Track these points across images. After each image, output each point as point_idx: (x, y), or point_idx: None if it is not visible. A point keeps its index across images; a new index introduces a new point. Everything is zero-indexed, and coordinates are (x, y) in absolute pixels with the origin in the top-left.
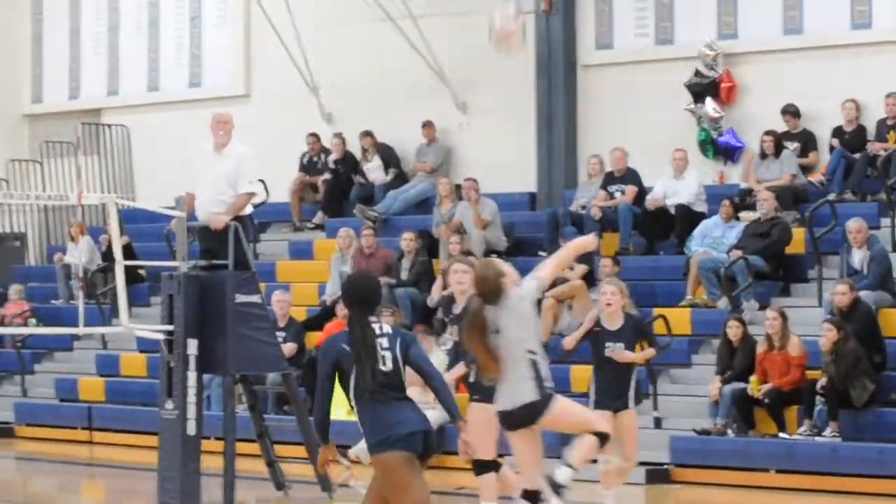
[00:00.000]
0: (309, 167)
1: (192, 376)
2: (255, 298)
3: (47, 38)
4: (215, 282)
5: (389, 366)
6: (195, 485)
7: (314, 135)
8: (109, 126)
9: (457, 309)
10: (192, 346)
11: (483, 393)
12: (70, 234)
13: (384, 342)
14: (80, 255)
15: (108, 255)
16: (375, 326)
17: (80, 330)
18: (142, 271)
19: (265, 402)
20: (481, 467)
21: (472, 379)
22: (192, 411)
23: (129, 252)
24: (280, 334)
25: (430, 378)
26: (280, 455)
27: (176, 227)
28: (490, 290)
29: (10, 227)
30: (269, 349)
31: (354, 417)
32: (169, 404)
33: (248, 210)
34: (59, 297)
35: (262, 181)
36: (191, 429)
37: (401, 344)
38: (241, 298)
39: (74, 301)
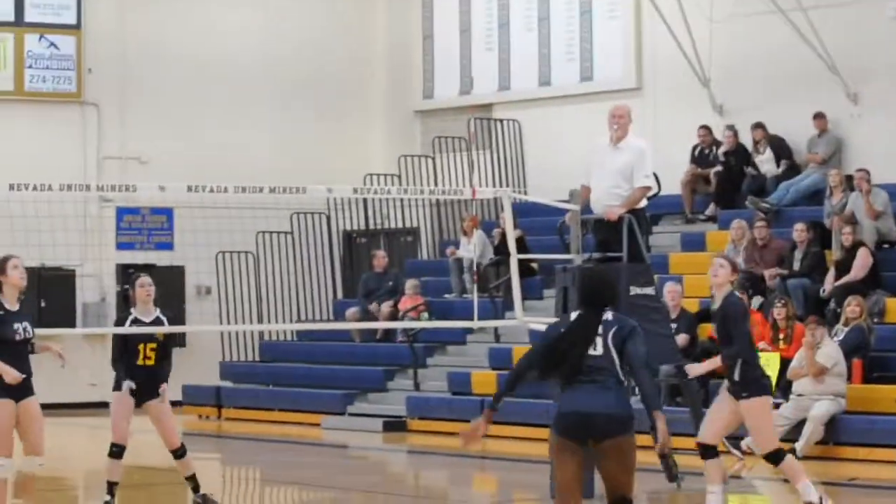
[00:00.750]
0: (700, 159)
1: None
2: (649, 290)
3: (438, 35)
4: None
5: (599, 350)
6: (588, 477)
7: (706, 127)
8: (501, 121)
9: (714, 304)
10: None
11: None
12: (463, 228)
13: (599, 328)
14: (472, 248)
15: (500, 249)
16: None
17: (475, 323)
18: (534, 264)
19: (658, 393)
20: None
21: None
22: None
23: (521, 245)
24: (672, 325)
25: (635, 371)
26: (674, 447)
27: (570, 220)
28: None
29: (404, 222)
30: (663, 341)
31: None
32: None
33: (643, 203)
34: (451, 290)
35: (654, 174)
36: None
37: (616, 332)
38: (635, 290)
39: (467, 294)
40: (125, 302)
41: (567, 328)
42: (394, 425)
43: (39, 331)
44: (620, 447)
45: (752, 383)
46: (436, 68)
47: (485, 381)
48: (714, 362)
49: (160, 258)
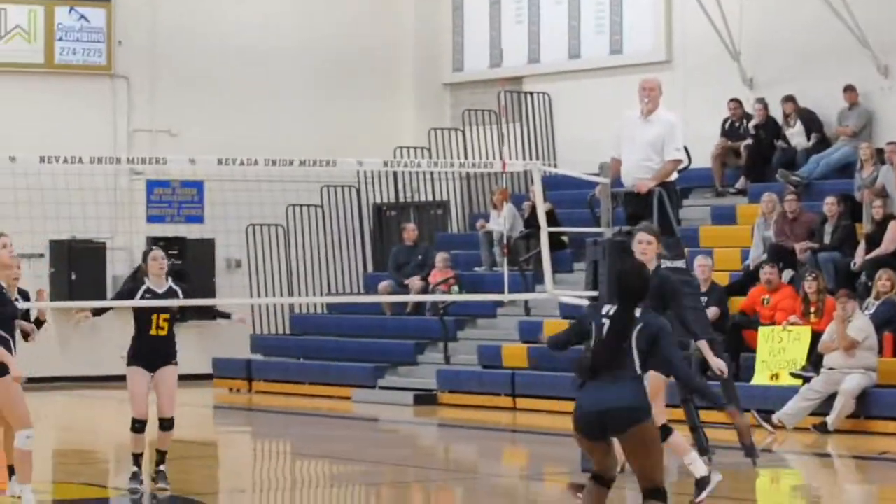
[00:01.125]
0: (731, 132)
1: None
2: (679, 264)
3: (468, 7)
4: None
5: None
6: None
7: (736, 100)
8: (531, 94)
9: None
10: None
11: None
12: (493, 201)
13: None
14: (502, 222)
15: (530, 222)
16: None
17: (505, 297)
18: (564, 237)
19: (689, 367)
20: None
21: None
22: None
23: (551, 218)
24: (702, 299)
25: (679, 379)
26: (704, 420)
27: (601, 193)
28: None
29: (433, 195)
30: (693, 314)
31: (777, 382)
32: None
33: (674, 177)
34: (481, 264)
35: (685, 147)
36: None
37: (641, 330)
38: (665, 264)
39: (497, 268)
40: (133, 275)
41: (608, 328)
42: (424, 398)
43: (69, 303)
44: (637, 436)
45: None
46: (465, 41)
47: (515, 354)
48: None
49: (190, 231)
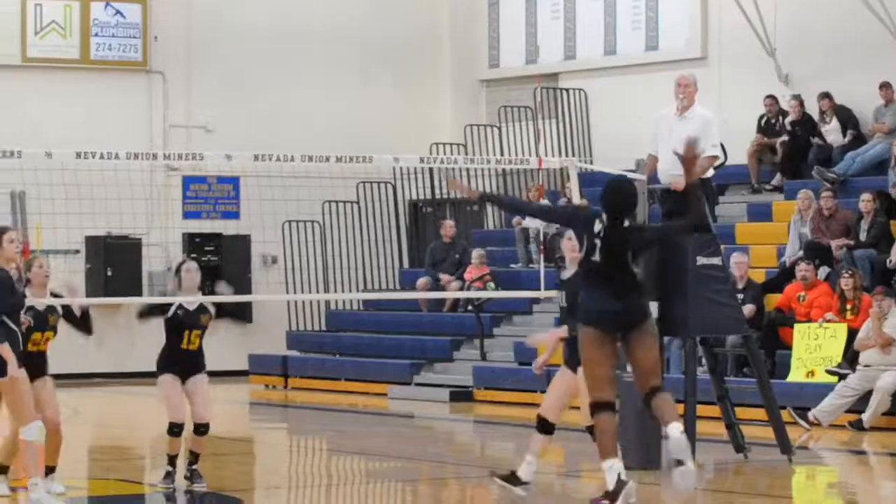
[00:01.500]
0: (767, 129)
1: None
2: (715, 261)
3: (504, 3)
4: (676, 244)
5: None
6: (656, 447)
7: (772, 97)
8: (567, 90)
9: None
10: (653, 308)
11: None
12: (528, 197)
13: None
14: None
15: None
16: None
17: (541, 293)
18: None
19: (725, 364)
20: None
21: None
22: None
23: None
24: (739, 296)
25: (663, 233)
26: (740, 418)
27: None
28: None
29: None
30: (729, 311)
31: (813, 379)
32: (629, 367)
33: (710, 173)
34: (517, 260)
35: (720, 143)
36: None
37: (634, 238)
38: (702, 261)
39: (533, 265)
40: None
41: (603, 240)
42: (460, 395)
43: (106, 299)
44: (649, 330)
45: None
46: (501, 37)
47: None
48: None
49: (226, 227)
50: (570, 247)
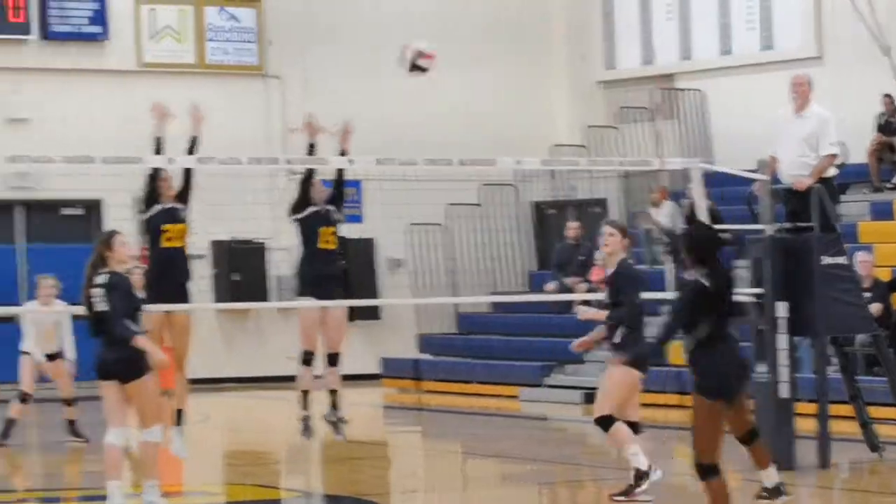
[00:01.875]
0: (885, 128)
1: (782, 339)
2: (841, 260)
3: (618, 4)
4: (801, 244)
5: None
6: (789, 447)
7: (889, 95)
8: (684, 90)
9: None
10: (782, 308)
11: None
12: (651, 199)
13: None
14: (663, 219)
15: (690, 220)
16: None
17: (668, 294)
18: (726, 234)
19: (854, 363)
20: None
21: None
22: (783, 374)
23: (714, 216)
24: (865, 295)
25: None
26: (873, 417)
27: (760, 190)
28: None
29: (592, 192)
30: (857, 311)
31: None
32: (761, 367)
33: (831, 172)
34: (643, 261)
35: (841, 143)
36: (783, 391)
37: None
38: (827, 260)
39: (658, 265)
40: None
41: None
42: (592, 397)
43: (233, 305)
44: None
45: (628, 350)
46: (617, 38)
47: (679, 350)
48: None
49: (350, 231)
50: (604, 241)
